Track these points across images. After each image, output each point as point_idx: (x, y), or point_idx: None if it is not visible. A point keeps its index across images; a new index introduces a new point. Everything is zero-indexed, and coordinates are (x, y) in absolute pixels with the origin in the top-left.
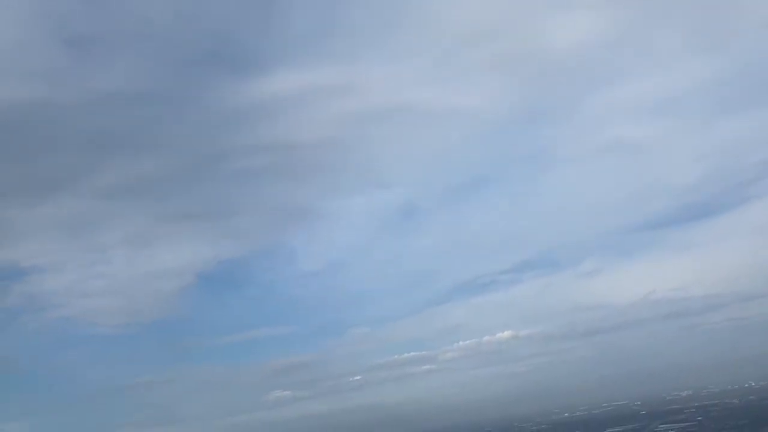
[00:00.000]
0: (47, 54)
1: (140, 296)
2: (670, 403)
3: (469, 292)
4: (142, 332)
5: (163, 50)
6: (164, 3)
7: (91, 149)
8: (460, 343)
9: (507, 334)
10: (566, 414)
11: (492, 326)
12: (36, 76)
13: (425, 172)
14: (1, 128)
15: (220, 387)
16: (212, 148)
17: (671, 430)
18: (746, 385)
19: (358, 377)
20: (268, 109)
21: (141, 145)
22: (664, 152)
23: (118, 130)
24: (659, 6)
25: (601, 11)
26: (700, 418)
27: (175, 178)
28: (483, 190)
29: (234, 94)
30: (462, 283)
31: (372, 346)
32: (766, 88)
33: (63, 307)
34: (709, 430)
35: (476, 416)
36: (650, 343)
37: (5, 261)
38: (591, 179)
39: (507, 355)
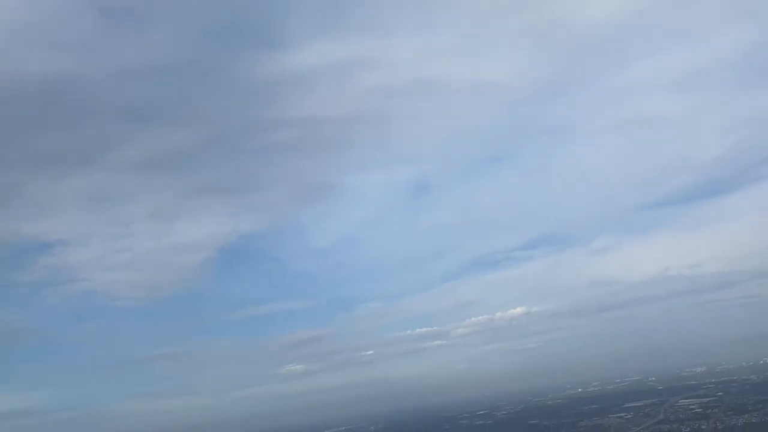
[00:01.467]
0: (82, 24)
1: (162, 270)
2: (685, 378)
3: (482, 269)
4: (162, 306)
5: (193, 22)
6: None
7: (121, 122)
8: (472, 318)
9: (519, 310)
10: (579, 389)
11: (504, 302)
12: (70, 47)
13: (444, 148)
14: (33, 101)
15: (235, 360)
16: (239, 121)
17: (693, 405)
18: (761, 362)
19: (370, 351)
20: (296, 82)
21: (169, 118)
22: (688, 127)
23: (147, 102)
24: None
25: None
26: (720, 394)
27: (202, 152)
28: (499, 165)
29: (262, 68)
30: (475, 260)
31: (385, 321)
32: None
33: (86, 280)
34: (732, 405)
35: (489, 391)
36: (663, 320)
37: (31, 234)
38: (611, 154)
39: (519, 330)
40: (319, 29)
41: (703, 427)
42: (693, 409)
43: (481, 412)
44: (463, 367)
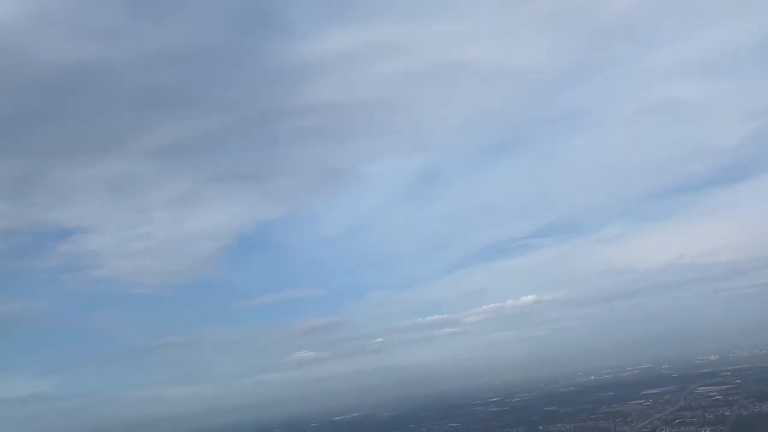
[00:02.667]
0: (108, 11)
1: (179, 257)
2: (699, 366)
3: (494, 256)
4: (177, 293)
5: (215, 10)
6: None
7: (143, 109)
8: (483, 306)
9: (530, 298)
10: (592, 377)
11: (515, 290)
12: (95, 34)
13: (459, 134)
14: (57, 88)
15: (246, 347)
16: (260, 108)
17: (712, 392)
18: None
19: (380, 339)
20: (316, 68)
21: (190, 104)
22: (708, 113)
23: (169, 89)
24: None
25: None
26: (738, 381)
27: (222, 139)
28: (513, 152)
29: (283, 54)
30: (487, 247)
31: (395, 308)
32: None
33: (103, 267)
34: (752, 392)
35: (499, 378)
36: (675, 308)
37: (52, 221)
38: (628, 141)
39: (530, 319)
40: (339, 15)
41: (727, 413)
42: (713, 396)
43: (495, 399)
44: (473, 355)
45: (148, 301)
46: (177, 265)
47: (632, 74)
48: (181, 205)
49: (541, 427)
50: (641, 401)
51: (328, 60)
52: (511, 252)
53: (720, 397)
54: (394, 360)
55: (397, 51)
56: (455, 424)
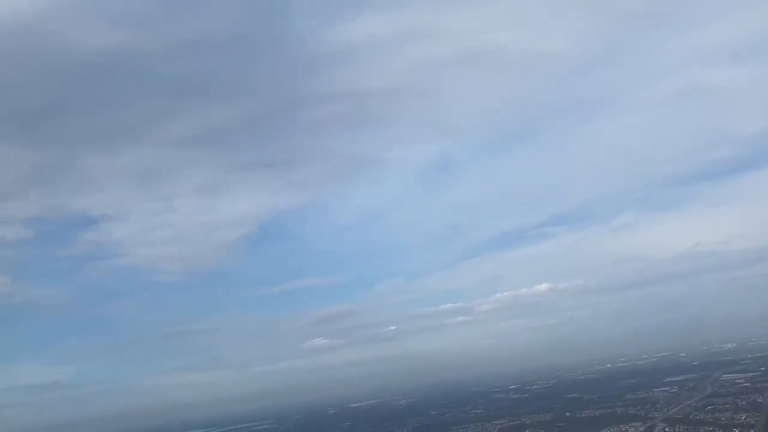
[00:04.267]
0: None
1: (201, 246)
2: (718, 354)
3: (509, 245)
4: (198, 281)
5: None
6: None
7: (171, 97)
8: (497, 295)
9: (544, 286)
10: (608, 365)
11: (529, 279)
12: (127, 22)
13: (481, 122)
14: (89, 77)
15: (262, 335)
16: (286, 95)
17: (739, 379)
18: None
19: (393, 327)
20: (346, 55)
21: (218, 92)
22: (735, 99)
23: (197, 77)
24: None
25: None
26: (763, 368)
27: (250, 127)
28: (531, 139)
29: (313, 41)
30: (502, 236)
31: (409, 297)
32: None
33: (126, 255)
34: None
35: (513, 366)
36: (690, 296)
37: (78, 209)
38: (649, 127)
39: (544, 307)
40: (367, 1)
41: (759, 399)
42: (741, 383)
43: (513, 387)
44: (487, 343)
45: (169, 289)
46: (199, 253)
47: (658, 60)
48: (205, 193)
49: (568, 414)
50: (666, 388)
51: (356, 47)
52: (526, 240)
53: (748, 384)
54: (408, 348)
55: (425, 37)
56: (478, 411)
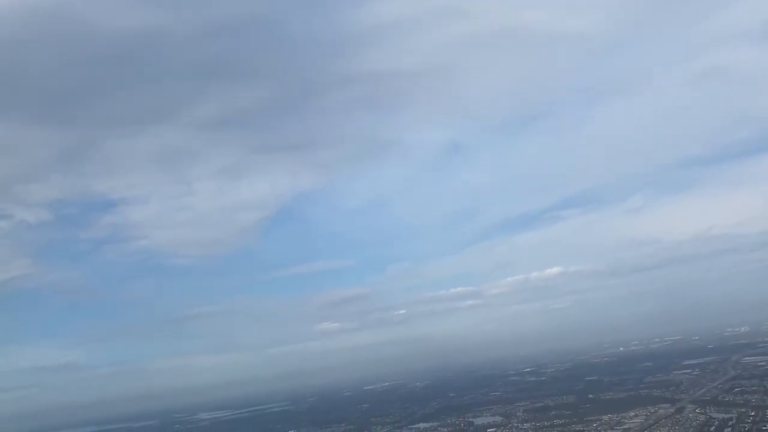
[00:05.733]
0: None
1: (220, 229)
2: (732, 338)
3: (520, 228)
4: (215, 264)
5: None
6: None
7: (197, 79)
8: (508, 279)
9: (555, 270)
10: (621, 348)
11: (541, 262)
12: (153, 3)
13: (501, 103)
14: (116, 59)
15: (274, 318)
16: (312, 77)
17: (761, 362)
18: None
19: (403, 311)
20: (372, 35)
21: (244, 74)
22: (760, 80)
23: (223, 59)
24: None
25: None
26: None
27: (272, 108)
28: (549, 121)
29: (343, 21)
30: (514, 219)
31: (420, 280)
32: None
33: (144, 238)
34: None
35: (524, 350)
36: (702, 280)
37: (98, 193)
38: (672, 108)
39: (555, 290)
40: None
41: None
42: (763, 366)
43: (528, 370)
44: (497, 327)
45: (186, 272)
46: (218, 236)
47: (685, 41)
48: (225, 176)
49: (591, 396)
50: (687, 371)
51: (385, 27)
52: (537, 223)
53: None
54: (419, 331)
55: (452, 17)
56: (498, 393)
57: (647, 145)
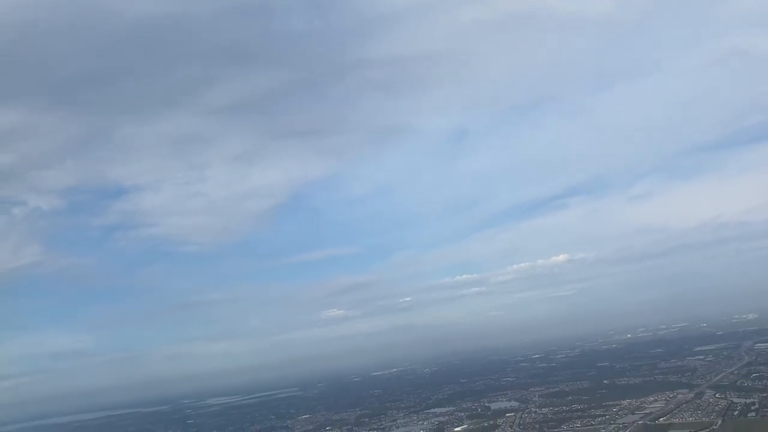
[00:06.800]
0: None
1: (231, 216)
2: (740, 324)
3: (526, 215)
4: (224, 251)
5: None
6: None
7: (214, 64)
8: (514, 266)
9: (561, 257)
10: (628, 335)
11: (546, 249)
12: None
13: (511, 90)
14: (135, 44)
15: (280, 305)
16: (327, 62)
17: None
18: None
19: (409, 298)
20: (391, 19)
21: (261, 59)
22: None
23: (241, 43)
24: None
25: None
26: None
27: (288, 94)
28: (558, 107)
29: (358, 4)
30: (519, 206)
31: (426, 267)
32: None
33: (155, 225)
34: None
35: (528, 336)
36: (709, 267)
37: (111, 179)
38: (686, 93)
39: (561, 277)
40: None
41: None
42: None
43: (537, 356)
44: (502, 314)
45: (195, 259)
46: (228, 223)
47: (702, 24)
48: (239, 162)
49: (606, 381)
50: (700, 357)
51: (401, 12)
52: (543, 210)
53: None
54: (424, 318)
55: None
56: (510, 379)
57: (657, 131)
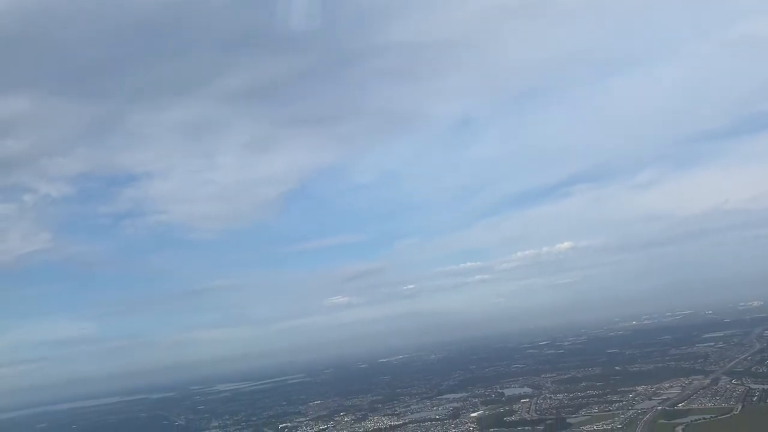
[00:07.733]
0: None
1: (241, 203)
2: (747, 312)
3: (531, 203)
4: (233, 238)
5: None
6: None
7: (227, 50)
8: (519, 253)
9: (566, 244)
10: (633, 322)
11: (551, 237)
12: None
13: (519, 77)
14: (143, 30)
15: (285, 292)
16: (341, 48)
17: None
18: None
19: (413, 285)
20: (405, 3)
21: (274, 45)
22: None
23: (254, 28)
24: None
25: None
26: None
27: (300, 80)
28: (564, 94)
29: None
30: (524, 193)
31: (431, 255)
32: None
33: (164, 213)
34: None
35: (534, 323)
36: (713, 254)
37: (121, 166)
38: (696, 79)
39: (565, 265)
40: None
41: None
42: None
43: (544, 343)
44: (507, 301)
45: (204, 246)
46: (238, 210)
47: (708, 11)
48: (250, 149)
49: (618, 368)
50: (711, 344)
51: None
52: (548, 198)
53: None
54: (429, 305)
55: None
56: (519, 365)
57: (664, 118)
